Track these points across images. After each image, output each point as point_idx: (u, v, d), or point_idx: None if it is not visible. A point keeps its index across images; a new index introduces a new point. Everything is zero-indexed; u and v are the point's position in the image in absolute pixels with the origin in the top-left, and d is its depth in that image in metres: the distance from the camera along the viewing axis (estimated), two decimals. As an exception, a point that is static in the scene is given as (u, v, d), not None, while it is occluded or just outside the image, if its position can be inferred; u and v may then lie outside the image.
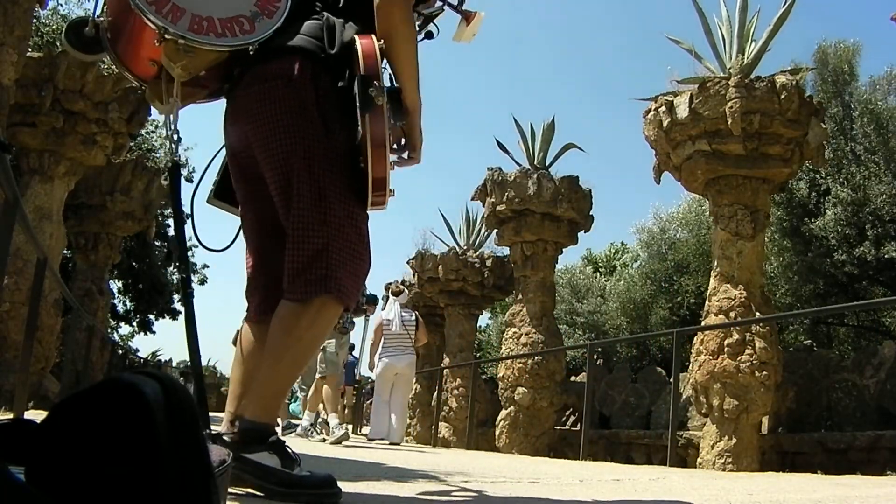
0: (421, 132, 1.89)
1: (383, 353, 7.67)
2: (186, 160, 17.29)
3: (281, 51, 1.73)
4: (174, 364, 25.69)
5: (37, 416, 4.27)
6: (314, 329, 1.72)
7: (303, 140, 1.69)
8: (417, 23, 2.02)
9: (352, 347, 15.96)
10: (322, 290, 1.67)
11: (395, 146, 1.89)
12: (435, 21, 2.06)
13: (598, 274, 16.02)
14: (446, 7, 2.07)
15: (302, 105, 1.70)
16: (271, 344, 1.72)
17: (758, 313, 6.24)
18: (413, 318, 7.90)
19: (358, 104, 1.62)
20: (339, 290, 1.69)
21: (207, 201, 2.02)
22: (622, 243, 18.91)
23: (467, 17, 2.14)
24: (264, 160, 1.76)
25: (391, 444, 7.20)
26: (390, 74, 1.79)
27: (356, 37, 1.69)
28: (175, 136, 1.69)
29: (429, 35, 2.05)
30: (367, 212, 1.79)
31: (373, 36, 1.69)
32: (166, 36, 1.58)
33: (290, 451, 1.70)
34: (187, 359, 1.76)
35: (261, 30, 1.67)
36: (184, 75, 1.66)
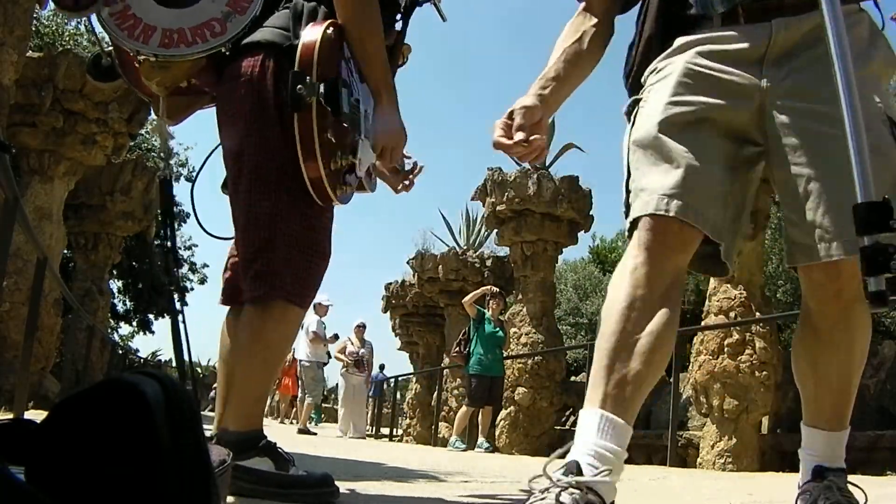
0: (403, 127, 1.83)
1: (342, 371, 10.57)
2: (186, 160, 17.27)
3: (247, 48, 1.72)
4: (174, 364, 25.63)
5: (37, 416, 4.27)
6: (279, 332, 1.72)
7: (257, 136, 1.68)
8: None
9: (382, 367, 17.51)
10: (267, 287, 1.66)
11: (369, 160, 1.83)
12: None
13: (604, 273, 15.87)
14: None
15: (261, 101, 1.68)
16: (241, 351, 1.73)
17: (758, 313, 6.23)
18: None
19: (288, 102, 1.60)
20: (282, 289, 1.67)
21: (222, 189, 2.02)
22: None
23: None
24: (225, 157, 1.78)
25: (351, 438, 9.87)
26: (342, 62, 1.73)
27: (308, 26, 1.66)
28: (163, 154, 1.73)
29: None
30: (331, 206, 1.75)
31: (327, 22, 1.66)
32: (140, 57, 1.63)
33: (282, 452, 1.70)
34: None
35: (232, 29, 1.67)
36: (161, 90, 1.67)
